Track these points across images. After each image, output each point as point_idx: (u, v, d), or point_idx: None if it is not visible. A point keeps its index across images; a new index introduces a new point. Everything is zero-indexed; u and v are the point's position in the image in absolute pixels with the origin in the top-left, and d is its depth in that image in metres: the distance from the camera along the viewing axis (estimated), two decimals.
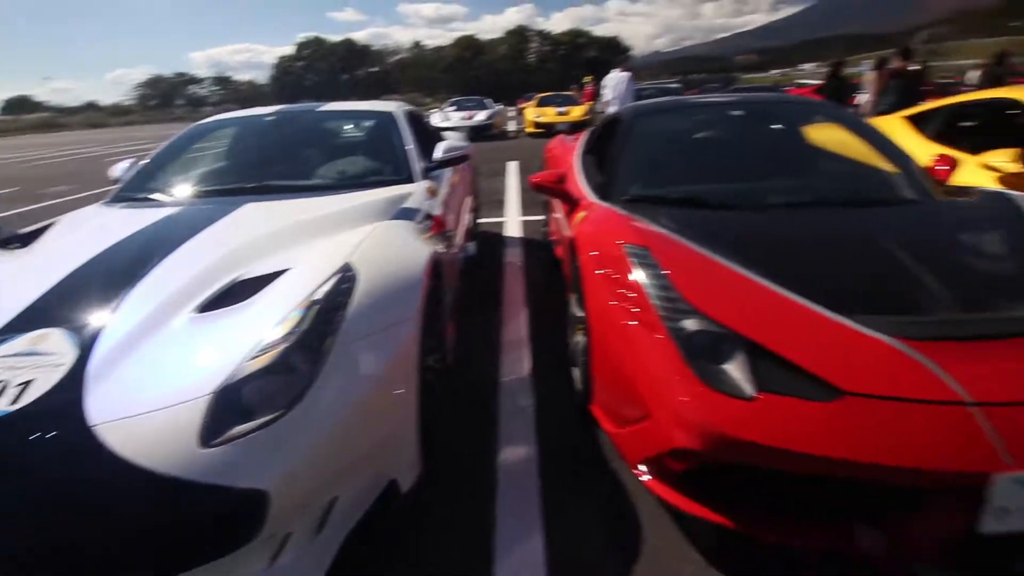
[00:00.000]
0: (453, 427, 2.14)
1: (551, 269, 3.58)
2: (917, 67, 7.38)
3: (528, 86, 73.90)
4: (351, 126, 3.53)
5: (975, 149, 3.20)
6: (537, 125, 14.68)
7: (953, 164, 2.62)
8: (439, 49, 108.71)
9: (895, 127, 4.01)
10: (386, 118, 3.08)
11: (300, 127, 3.26)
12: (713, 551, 1.53)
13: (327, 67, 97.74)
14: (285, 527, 1.22)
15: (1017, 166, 2.78)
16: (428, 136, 3.42)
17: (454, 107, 16.89)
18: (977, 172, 2.95)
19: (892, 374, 1.32)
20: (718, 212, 2.13)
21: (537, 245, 4.61)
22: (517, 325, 3.09)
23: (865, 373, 1.33)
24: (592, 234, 2.04)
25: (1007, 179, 2.82)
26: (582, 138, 3.66)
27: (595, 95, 18.38)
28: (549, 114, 14.98)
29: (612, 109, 10.71)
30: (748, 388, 1.33)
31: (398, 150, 2.79)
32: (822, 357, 1.36)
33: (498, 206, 6.44)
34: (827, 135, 2.92)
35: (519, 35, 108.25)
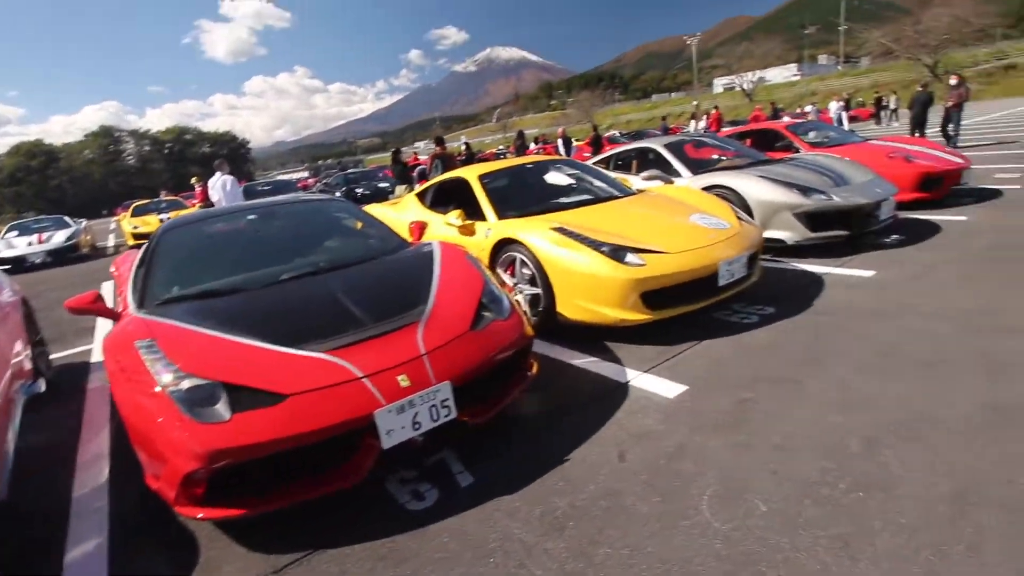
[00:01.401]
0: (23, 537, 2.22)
1: None
2: (448, 151, 9.80)
3: (134, 191, 65.49)
4: None
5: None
6: (137, 236, 13.36)
7: (422, 226, 3.88)
8: None
9: (409, 201, 5.46)
10: None
11: None
12: (248, 540, 2.08)
13: None
14: None
15: (462, 220, 4.25)
16: None
17: (16, 232, 14.00)
18: (445, 228, 4.37)
19: (319, 375, 2.11)
20: (227, 296, 2.76)
21: None
22: (98, 442, 3.13)
23: (302, 379, 2.09)
24: (114, 339, 2.41)
25: (461, 229, 4.27)
26: (140, 252, 3.90)
27: (207, 196, 17.83)
28: (152, 223, 13.78)
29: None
30: (226, 414, 1.94)
31: None
32: (273, 378, 2.07)
33: (89, 333, 5.90)
34: (340, 220, 3.92)
35: (107, 136, 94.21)
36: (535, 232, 3.69)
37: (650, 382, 2.97)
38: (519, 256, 3.78)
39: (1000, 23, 54.46)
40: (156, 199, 16.71)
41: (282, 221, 3.76)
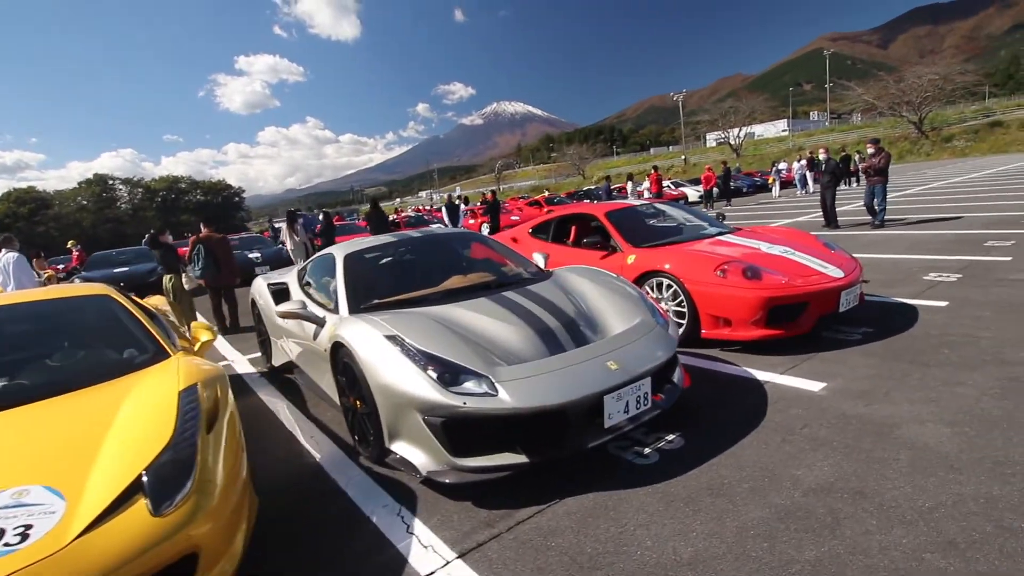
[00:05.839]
0: None
1: None
2: (219, 233, 7.56)
3: (125, 238, 64.91)
4: None
5: None
6: None
7: None
8: None
9: None
10: None
11: None
12: None
13: None
14: None
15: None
16: None
17: None
18: None
19: None
20: None
21: None
22: None
23: None
24: None
25: None
26: None
27: (82, 260, 15.82)
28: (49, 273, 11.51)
29: (10, 290, 8.58)
30: None
31: None
32: None
33: None
34: None
35: (101, 184, 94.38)
36: None
37: None
38: None
39: (986, 82, 53.54)
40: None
41: None
